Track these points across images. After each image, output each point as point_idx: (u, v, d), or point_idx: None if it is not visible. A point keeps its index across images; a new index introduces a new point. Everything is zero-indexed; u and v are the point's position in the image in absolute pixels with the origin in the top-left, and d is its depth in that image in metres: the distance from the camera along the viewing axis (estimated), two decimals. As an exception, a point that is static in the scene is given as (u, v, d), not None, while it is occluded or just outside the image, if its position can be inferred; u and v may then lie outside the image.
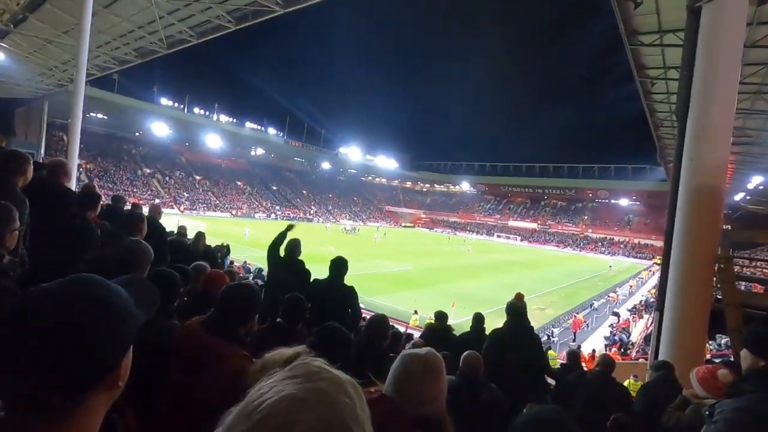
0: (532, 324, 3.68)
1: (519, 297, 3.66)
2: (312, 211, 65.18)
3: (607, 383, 3.31)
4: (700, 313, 3.31)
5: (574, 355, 4.49)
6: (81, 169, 40.49)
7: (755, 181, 26.10)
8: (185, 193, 51.67)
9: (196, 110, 55.01)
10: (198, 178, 57.29)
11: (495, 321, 3.71)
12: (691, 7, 3.42)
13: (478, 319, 4.34)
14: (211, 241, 8.38)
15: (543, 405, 1.44)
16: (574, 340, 15.90)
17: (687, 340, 3.30)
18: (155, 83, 48.83)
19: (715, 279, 3.42)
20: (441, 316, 4.80)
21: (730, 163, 22.73)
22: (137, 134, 55.99)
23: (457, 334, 4.79)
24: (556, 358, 12.41)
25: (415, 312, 15.38)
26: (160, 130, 52.32)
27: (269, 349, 0.92)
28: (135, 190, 45.57)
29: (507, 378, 2.95)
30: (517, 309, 3.50)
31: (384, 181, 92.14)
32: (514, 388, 2.81)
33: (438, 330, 4.63)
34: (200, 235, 5.64)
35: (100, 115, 48.06)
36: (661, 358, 3.44)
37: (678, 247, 3.46)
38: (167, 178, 52.64)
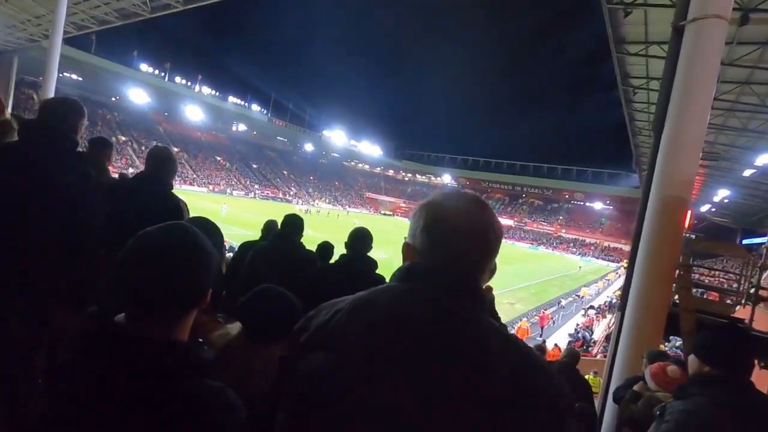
0: (499, 315, 3.84)
1: (487, 289, 3.81)
2: (291, 193, 64.47)
3: (572, 374, 3.51)
4: (658, 316, 3.54)
5: (540, 350, 4.71)
6: (51, 131, 38.69)
7: (721, 194, 27.32)
8: (161, 165, 50.15)
9: (178, 79, 53.24)
10: (176, 149, 55.59)
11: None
12: (675, 25, 3.59)
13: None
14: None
15: None
16: (540, 335, 16.48)
17: (644, 339, 3.52)
18: (135, 48, 46.89)
19: (674, 285, 3.66)
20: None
21: (700, 175, 23.68)
22: (113, 99, 53.69)
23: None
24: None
25: None
26: (138, 97, 50.41)
27: None
28: (108, 157, 43.92)
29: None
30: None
31: (366, 167, 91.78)
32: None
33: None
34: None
35: (74, 76, 45.79)
36: (619, 355, 3.68)
37: (643, 253, 3.68)
38: (143, 148, 50.88)
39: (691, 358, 1.47)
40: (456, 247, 0.74)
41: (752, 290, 4.00)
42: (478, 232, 0.75)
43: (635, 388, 2.01)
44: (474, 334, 0.67)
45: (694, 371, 1.46)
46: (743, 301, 3.94)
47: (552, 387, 0.65)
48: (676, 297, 3.84)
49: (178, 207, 2.12)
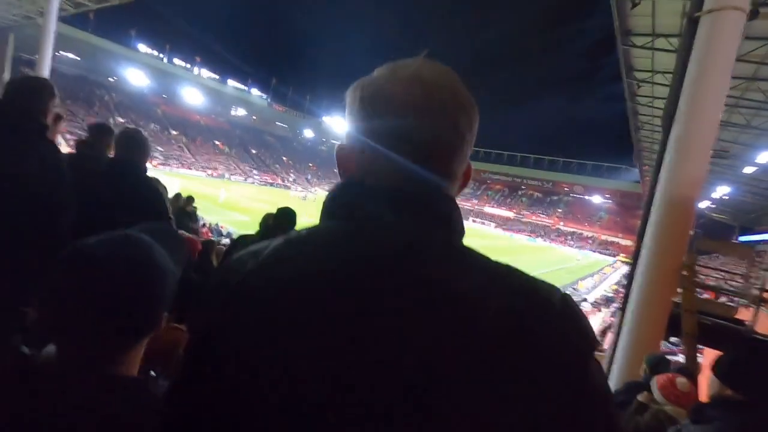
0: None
1: None
2: (290, 179, 64.16)
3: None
4: (659, 316, 3.48)
5: None
6: (48, 112, 38.26)
7: (720, 191, 27.29)
8: (159, 148, 49.64)
9: (177, 61, 52.58)
10: (174, 133, 55.10)
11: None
12: (690, 16, 3.45)
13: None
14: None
15: None
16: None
17: (645, 340, 3.47)
18: (134, 27, 46.18)
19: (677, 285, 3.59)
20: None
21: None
22: (111, 80, 53.00)
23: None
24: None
25: None
26: (136, 78, 49.82)
27: None
28: (106, 139, 43.49)
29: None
30: None
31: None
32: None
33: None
34: (177, 197, 5.46)
35: (71, 55, 45.21)
36: (618, 354, 3.63)
37: (647, 252, 3.60)
38: (141, 130, 50.31)
39: (712, 378, 1.37)
40: (411, 139, 0.49)
41: (756, 291, 3.92)
42: (446, 107, 0.49)
43: (640, 398, 1.94)
44: (446, 279, 0.44)
45: (715, 393, 1.36)
46: (747, 302, 3.88)
47: (564, 322, 0.45)
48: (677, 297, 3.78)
49: (155, 190, 2.02)
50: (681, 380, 1.84)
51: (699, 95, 3.32)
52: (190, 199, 6.31)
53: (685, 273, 3.46)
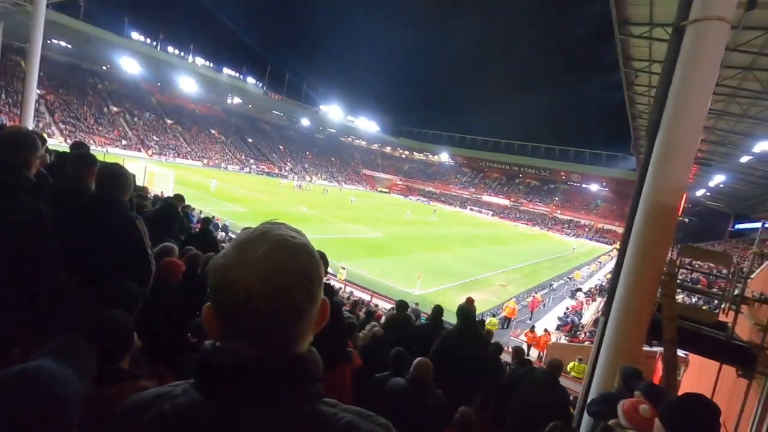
0: (484, 317, 3.90)
1: (469, 301, 3.86)
2: (287, 168, 63.88)
3: (552, 386, 3.51)
4: (640, 323, 3.54)
5: (519, 353, 4.69)
6: (41, 100, 37.77)
7: (717, 179, 27.37)
8: (154, 137, 49.26)
9: (170, 49, 51.72)
10: (169, 122, 54.59)
11: (458, 294, 3.85)
12: (677, 26, 3.43)
13: (437, 311, 4.50)
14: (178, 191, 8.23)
15: None
16: (530, 319, 16.72)
17: (626, 345, 3.55)
18: (126, 15, 45.34)
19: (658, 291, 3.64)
20: (401, 306, 4.93)
21: (696, 161, 23.58)
22: (104, 68, 52.23)
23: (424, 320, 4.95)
24: (496, 325, 13.26)
25: (343, 268, 16.17)
26: (129, 66, 49.03)
27: None
28: (100, 128, 43.04)
29: (453, 376, 3.11)
30: (466, 312, 3.66)
31: (363, 143, 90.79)
32: (460, 386, 2.96)
33: (398, 319, 4.76)
34: (174, 202, 5.35)
35: (63, 43, 44.44)
36: (601, 360, 3.69)
37: (630, 258, 3.64)
38: (136, 119, 49.79)
39: (657, 424, 1.44)
40: (251, 320, 0.56)
41: (736, 293, 3.98)
42: (283, 291, 0.56)
43: (610, 422, 2.00)
44: None
45: None
46: (729, 306, 3.94)
47: None
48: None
49: (133, 231, 2.00)
50: (644, 407, 1.90)
51: (682, 108, 3.31)
52: (208, 220, 6.68)
53: (666, 280, 3.51)
